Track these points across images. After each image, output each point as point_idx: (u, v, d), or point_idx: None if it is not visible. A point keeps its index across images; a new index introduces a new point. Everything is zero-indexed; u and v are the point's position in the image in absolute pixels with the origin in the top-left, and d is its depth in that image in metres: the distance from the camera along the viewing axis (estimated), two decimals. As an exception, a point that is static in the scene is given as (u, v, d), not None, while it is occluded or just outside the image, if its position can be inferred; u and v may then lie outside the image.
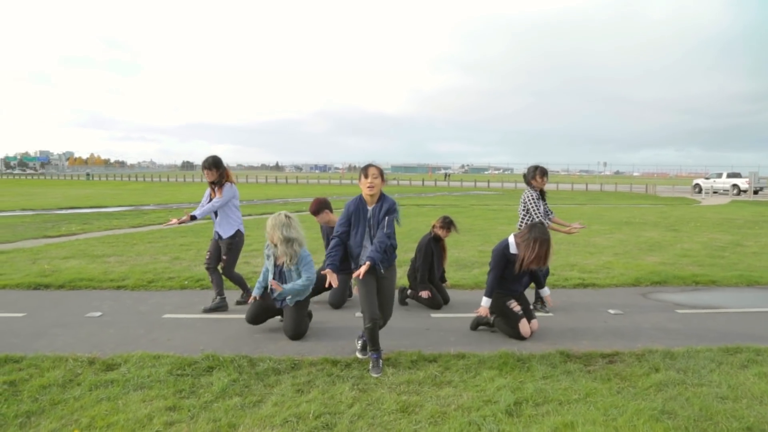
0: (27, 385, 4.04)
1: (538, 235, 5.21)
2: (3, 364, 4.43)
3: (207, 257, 6.45)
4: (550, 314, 6.27)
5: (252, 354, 4.76)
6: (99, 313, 6.15)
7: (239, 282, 6.57)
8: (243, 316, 5.76)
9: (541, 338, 5.36)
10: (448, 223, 6.74)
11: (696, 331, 5.68)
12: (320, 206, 6.82)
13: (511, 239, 5.43)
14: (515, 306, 5.40)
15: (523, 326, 5.31)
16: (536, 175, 6.48)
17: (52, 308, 6.35)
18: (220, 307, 6.32)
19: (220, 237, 6.38)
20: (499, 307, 5.42)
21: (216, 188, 6.31)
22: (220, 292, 6.37)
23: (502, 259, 5.39)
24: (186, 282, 7.72)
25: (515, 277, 5.41)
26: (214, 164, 6.25)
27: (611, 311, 6.41)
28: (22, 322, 5.78)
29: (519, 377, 4.27)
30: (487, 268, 5.53)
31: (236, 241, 6.41)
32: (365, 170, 4.55)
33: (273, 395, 3.94)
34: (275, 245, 5.47)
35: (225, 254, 6.34)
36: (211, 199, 6.33)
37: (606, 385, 4.11)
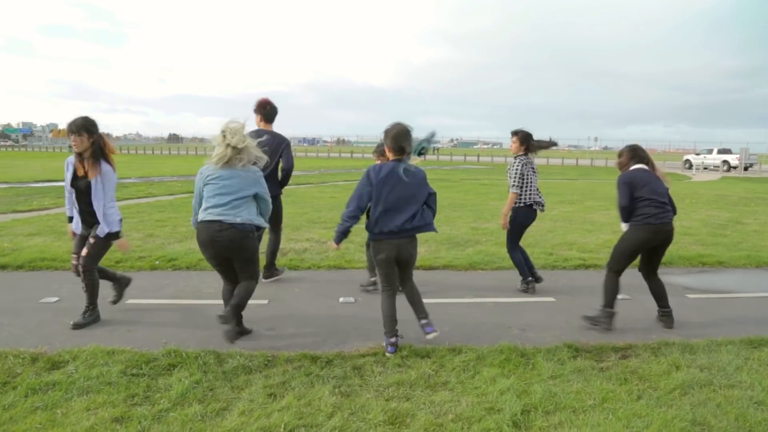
0: (-47, 389, 3.46)
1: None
2: (-70, 363, 3.84)
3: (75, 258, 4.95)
4: (552, 299, 5.76)
5: (221, 348, 4.18)
6: (56, 299, 5.55)
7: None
8: (217, 302, 5.13)
9: (545, 327, 4.84)
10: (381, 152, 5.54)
11: (711, 319, 5.20)
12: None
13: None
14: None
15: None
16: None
17: (5, 293, 5.74)
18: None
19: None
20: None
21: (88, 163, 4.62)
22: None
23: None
24: (157, 262, 7.11)
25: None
26: (84, 127, 4.58)
27: (618, 296, 5.90)
28: (-31, 309, 5.17)
29: (524, 377, 3.75)
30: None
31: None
32: None
33: (240, 401, 3.38)
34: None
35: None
36: (76, 176, 4.70)
37: (624, 388, 3.60)
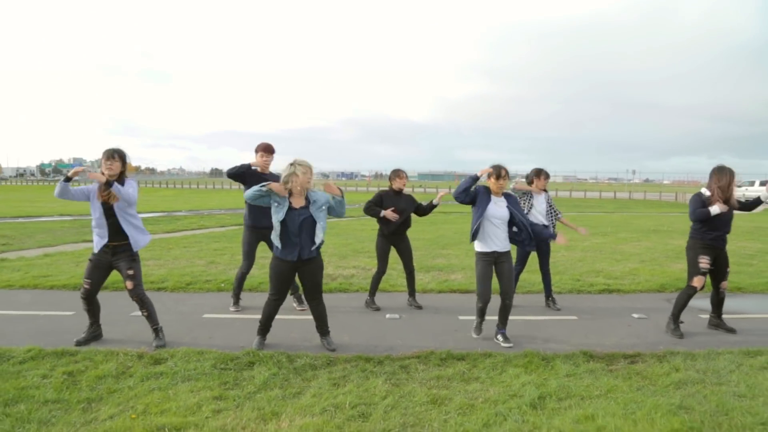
0: (84, 376, 4.38)
1: (716, 167, 5.79)
2: (60, 357, 4.79)
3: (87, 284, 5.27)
4: (575, 317, 6.45)
5: (289, 351, 5.04)
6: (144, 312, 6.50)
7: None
8: (281, 317, 5.96)
9: (565, 340, 5.55)
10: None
11: (718, 335, 5.80)
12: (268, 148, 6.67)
13: (703, 189, 5.92)
14: (705, 262, 5.74)
15: (699, 281, 5.75)
16: (535, 176, 7.04)
17: (101, 308, 6.72)
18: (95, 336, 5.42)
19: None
20: (691, 254, 5.86)
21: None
22: (96, 320, 5.45)
23: (697, 200, 5.81)
24: (222, 285, 8.06)
25: (718, 221, 5.70)
26: (118, 153, 5.13)
27: (635, 315, 6.56)
28: (72, 320, 6.16)
29: (543, 375, 4.48)
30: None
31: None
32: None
33: (311, 388, 4.21)
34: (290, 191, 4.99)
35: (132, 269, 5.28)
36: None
37: (627, 383, 4.30)
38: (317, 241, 5.05)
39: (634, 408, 3.80)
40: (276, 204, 5.00)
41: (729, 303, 7.30)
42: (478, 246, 5.49)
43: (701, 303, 7.27)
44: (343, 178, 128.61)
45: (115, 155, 5.09)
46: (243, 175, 6.51)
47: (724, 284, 5.92)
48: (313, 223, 4.99)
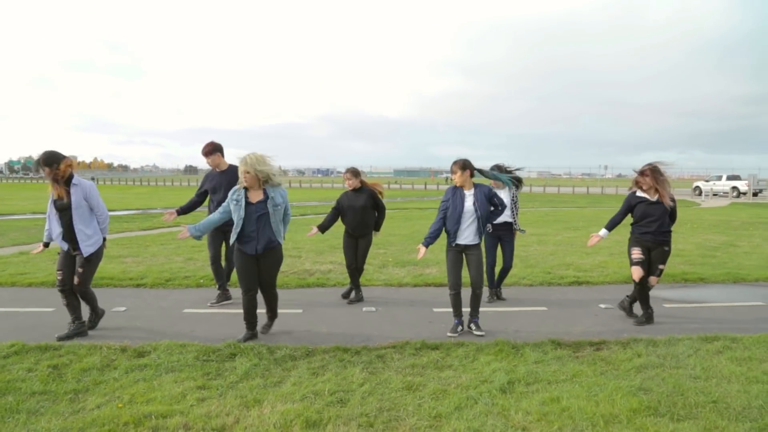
0: (69, 369, 4.49)
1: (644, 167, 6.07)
2: (44, 351, 4.89)
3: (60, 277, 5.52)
4: (545, 308, 6.71)
5: (269, 343, 5.20)
6: (124, 308, 6.61)
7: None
8: (261, 311, 6.12)
9: (534, 329, 5.79)
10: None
11: (680, 323, 6.11)
12: (214, 148, 6.87)
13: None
14: (635, 253, 6.05)
15: (634, 271, 5.99)
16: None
17: (82, 306, 6.79)
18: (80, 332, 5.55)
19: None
20: (628, 248, 6.22)
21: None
22: (78, 316, 5.60)
23: (626, 203, 6.26)
24: (201, 280, 8.17)
25: (643, 218, 6.09)
26: (46, 162, 5.32)
27: (602, 305, 6.85)
28: (53, 315, 6.23)
29: (513, 362, 4.71)
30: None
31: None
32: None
33: (291, 377, 4.38)
34: (246, 188, 5.25)
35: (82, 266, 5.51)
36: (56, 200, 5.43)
37: (591, 368, 4.55)
38: (279, 237, 5.31)
39: (596, 390, 4.04)
40: (234, 203, 5.24)
41: (692, 293, 7.67)
42: (448, 239, 5.72)
43: (666, 293, 7.61)
44: (319, 175, 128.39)
45: (39, 164, 5.33)
46: (202, 196, 7.10)
47: (652, 279, 6.14)
48: (269, 218, 5.24)
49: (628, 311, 6.36)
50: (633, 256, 6.07)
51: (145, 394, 4.00)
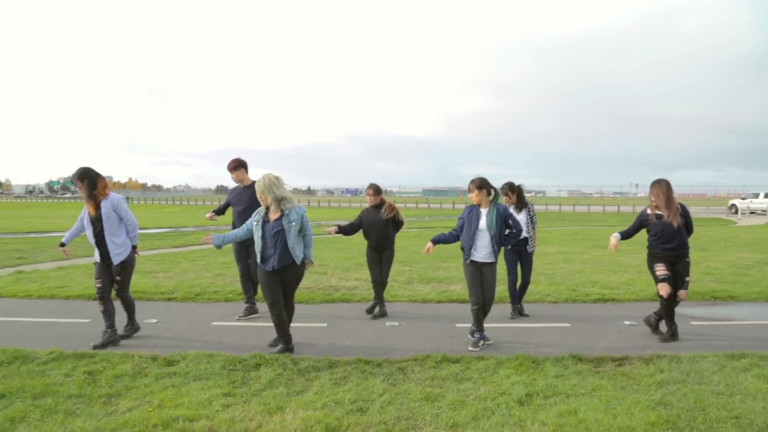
0: (103, 375, 4.70)
1: (654, 181, 6.10)
2: (80, 359, 5.12)
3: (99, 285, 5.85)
4: (568, 325, 6.71)
5: (293, 355, 5.34)
6: (155, 320, 6.83)
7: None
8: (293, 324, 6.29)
9: (556, 344, 5.81)
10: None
11: (706, 340, 6.05)
12: (238, 164, 7.17)
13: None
14: (660, 270, 6.00)
15: (661, 288, 5.94)
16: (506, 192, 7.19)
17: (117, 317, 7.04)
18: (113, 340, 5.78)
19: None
20: (648, 265, 6.22)
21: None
22: (111, 324, 5.84)
23: (638, 220, 6.27)
24: (230, 295, 8.37)
25: (660, 237, 6.04)
26: (79, 177, 5.74)
27: (626, 322, 6.82)
28: (89, 326, 6.48)
29: (532, 375, 4.75)
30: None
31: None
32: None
33: (313, 387, 4.50)
34: (267, 207, 5.49)
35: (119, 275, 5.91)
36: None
37: (611, 382, 4.56)
38: (294, 255, 5.45)
39: (615, 404, 4.06)
40: (255, 223, 5.50)
41: (720, 311, 7.57)
42: (464, 255, 5.85)
43: (693, 310, 7.53)
44: (348, 194, 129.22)
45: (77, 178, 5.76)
46: (224, 209, 7.46)
47: (682, 293, 6.10)
48: (285, 235, 5.42)
49: (654, 327, 6.32)
50: (658, 273, 6.04)
51: (173, 400, 4.17)
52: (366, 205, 7.38)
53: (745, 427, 3.75)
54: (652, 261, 6.16)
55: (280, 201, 5.43)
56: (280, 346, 5.51)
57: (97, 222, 5.76)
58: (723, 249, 15.27)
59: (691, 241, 6.30)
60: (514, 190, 7.17)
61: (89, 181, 5.73)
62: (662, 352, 5.49)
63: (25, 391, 4.31)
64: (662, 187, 6.04)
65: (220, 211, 7.46)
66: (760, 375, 4.75)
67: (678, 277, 6.07)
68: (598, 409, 3.96)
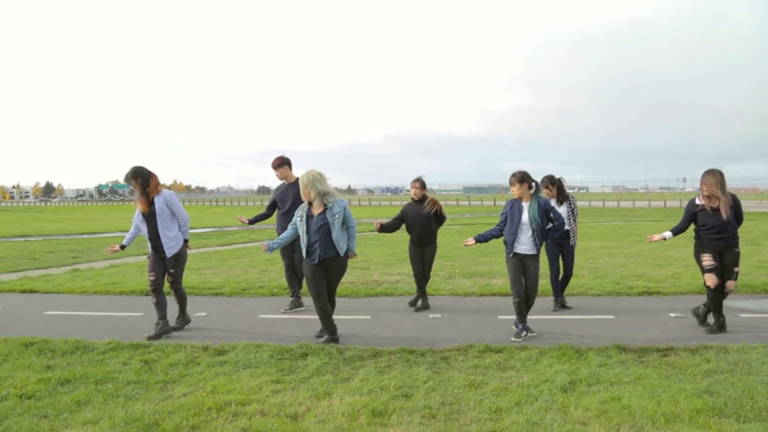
0: (158, 364, 4.92)
1: (707, 170, 5.99)
2: (136, 349, 5.37)
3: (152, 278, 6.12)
4: (612, 317, 6.66)
5: (338, 345, 5.47)
6: (204, 313, 7.09)
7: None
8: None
9: (600, 336, 5.79)
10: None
11: (755, 332, 5.92)
12: (282, 162, 7.35)
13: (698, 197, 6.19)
14: (706, 260, 5.94)
15: (708, 279, 5.88)
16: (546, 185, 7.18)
17: (168, 310, 7.33)
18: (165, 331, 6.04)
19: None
20: (696, 255, 6.17)
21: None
22: (163, 315, 6.10)
23: (687, 211, 6.25)
24: (275, 290, 8.59)
25: (710, 228, 5.97)
26: (133, 176, 6.00)
27: (672, 314, 6.73)
28: (143, 319, 6.77)
29: (576, 365, 4.76)
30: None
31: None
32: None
33: (359, 374, 4.62)
34: (310, 203, 5.63)
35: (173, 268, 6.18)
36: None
37: (656, 372, 4.54)
38: (338, 246, 5.61)
39: (660, 392, 4.05)
40: (299, 219, 5.67)
41: (770, 303, 7.38)
42: (506, 249, 5.90)
43: (743, 303, 7.36)
44: (388, 193, 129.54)
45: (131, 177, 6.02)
46: (271, 208, 7.64)
47: (730, 284, 5.97)
48: (330, 228, 5.56)
49: (702, 319, 6.22)
50: (704, 264, 5.95)
51: (225, 386, 4.35)
52: (408, 201, 7.48)
53: (796, 416, 3.69)
54: (699, 251, 6.06)
55: (323, 196, 5.58)
56: (325, 337, 5.66)
57: (150, 217, 6.01)
58: (775, 242, 14.79)
59: (743, 234, 6.18)
60: (554, 183, 7.16)
61: (142, 179, 5.99)
62: (709, 343, 5.41)
63: (87, 378, 4.56)
64: (716, 176, 5.92)
65: (253, 221, 7.63)
66: (812, 366, 4.64)
67: (726, 268, 5.96)
68: (642, 397, 3.96)
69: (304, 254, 5.69)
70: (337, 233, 5.58)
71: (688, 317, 6.54)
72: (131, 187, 6.12)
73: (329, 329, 5.69)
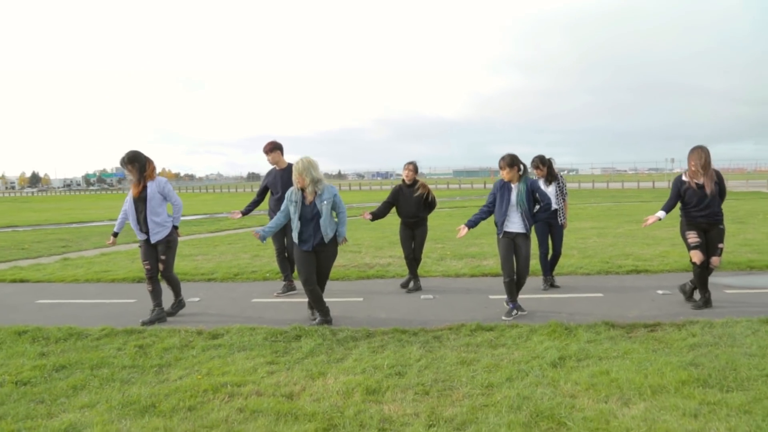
0: (153, 348, 4.96)
1: (695, 147, 6.01)
2: (130, 334, 5.40)
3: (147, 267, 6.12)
4: (601, 295, 6.76)
5: (332, 326, 5.53)
6: (197, 298, 7.12)
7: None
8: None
9: (589, 313, 5.89)
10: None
11: (740, 307, 6.04)
12: (274, 146, 7.33)
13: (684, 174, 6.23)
14: (691, 237, 6.04)
15: (694, 255, 5.97)
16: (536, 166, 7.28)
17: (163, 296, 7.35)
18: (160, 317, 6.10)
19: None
20: (682, 233, 6.23)
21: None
22: (159, 303, 6.15)
23: (674, 187, 6.24)
24: (267, 274, 8.62)
25: (695, 204, 6.03)
26: (129, 161, 5.98)
27: (660, 292, 6.84)
28: (135, 305, 6.80)
29: (565, 341, 4.85)
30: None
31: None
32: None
33: (353, 354, 4.69)
34: (302, 189, 5.65)
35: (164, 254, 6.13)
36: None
37: (643, 346, 4.64)
38: (324, 233, 5.66)
39: (646, 365, 4.15)
40: (293, 204, 5.69)
41: (757, 279, 7.55)
42: (497, 230, 5.96)
43: (728, 279, 7.50)
44: (379, 178, 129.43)
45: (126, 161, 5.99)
46: (262, 194, 7.59)
47: (715, 260, 6.07)
48: (321, 215, 5.63)
49: (688, 295, 6.34)
50: (690, 240, 6.05)
51: (220, 368, 4.40)
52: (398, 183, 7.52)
53: (777, 385, 3.79)
54: (684, 228, 6.16)
55: (316, 183, 5.61)
56: (318, 318, 5.72)
57: (140, 202, 5.99)
58: (761, 221, 14.99)
59: (729, 213, 6.28)
60: (545, 163, 7.22)
61: (139, 164, 5.97)
62: (695, 318, 5.53)
63: (82, 363, 4.59)
64: (703, 151, 5.99)
65: (246, 212, 7.44)
66: (795, 338, 4.76)
67: (711, 245, 6.06)
68: (629, 370, 4.05)
69: (296, 240, 5.72)
70: (325, 219, 5.62)
71: (675, 294, 6.66)
72: (127, 171, 6.07)
73: (321, 311, 5.75)
